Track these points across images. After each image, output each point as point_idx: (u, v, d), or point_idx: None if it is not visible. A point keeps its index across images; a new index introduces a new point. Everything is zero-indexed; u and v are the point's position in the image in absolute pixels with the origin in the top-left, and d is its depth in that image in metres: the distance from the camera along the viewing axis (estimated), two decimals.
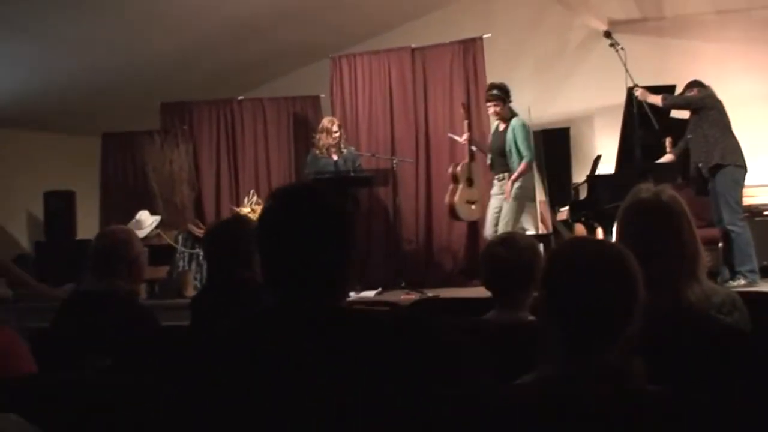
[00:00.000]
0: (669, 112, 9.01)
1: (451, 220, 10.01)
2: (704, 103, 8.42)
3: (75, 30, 9.44)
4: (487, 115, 9.79)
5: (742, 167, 8.24)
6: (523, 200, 8.96)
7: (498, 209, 8.98)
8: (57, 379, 2.76)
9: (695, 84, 8.64)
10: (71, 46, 9.87)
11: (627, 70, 8.72)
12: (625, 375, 2.00)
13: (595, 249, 2.22)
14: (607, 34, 9.10)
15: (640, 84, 8.83)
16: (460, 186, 9.49)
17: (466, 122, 9.59)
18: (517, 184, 8.83)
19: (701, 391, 2.02)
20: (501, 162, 9.03)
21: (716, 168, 8.22)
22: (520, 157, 8.86)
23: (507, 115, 9.00)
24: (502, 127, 9.08)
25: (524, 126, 9.03)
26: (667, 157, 9.01)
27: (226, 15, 10.06)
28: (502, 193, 8.97)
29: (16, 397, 2.49)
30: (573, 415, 1.91)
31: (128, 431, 2.37)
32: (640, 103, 8.69)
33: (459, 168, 9.56)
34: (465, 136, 9.45)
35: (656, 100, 8.62)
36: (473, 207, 9.60)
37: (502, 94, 8.94)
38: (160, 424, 2.28)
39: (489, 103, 9.03)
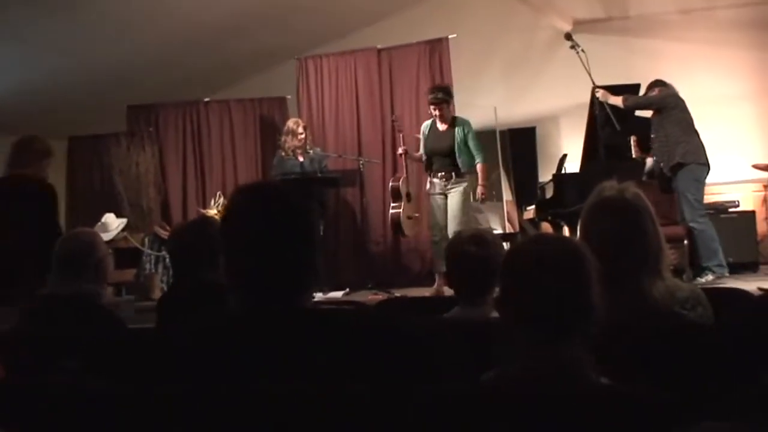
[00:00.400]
0: (633, 112, 9.04)
1: (396, 235, 9.99)
2: (666, 103, 8.47)
3: (41, 33, 9.37)
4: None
5: (704, 165, 8.29)
6: (468, 196, 8.94)
7: (445, 206, 8.95)
8: (22, 384, 2.74)
9: (657, 83, 8.69)
10: (37, 49, 9.79)
11: (588, 72, 8.74)
12: (582, 369, 2.01)
13: (552, 244, 2.23)
14: (568, 36, 9.06)
15: (605, 83, 8.88)
16: (403, 202, 9.48)
17: (401, 135, 9.57)
18: (465, 184, 8.85)
19: (665, 386, 2.03)
20: (444, 162, 8.92)
21: (678, 167, 8.29)
22: (471, 157, 8.87)
23: (449, 117, 8.93)
24: (443, 127, 8.95)
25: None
26: (649, 161, 9.05)
27: (192, 18, 10.03)
28: (443, 194, 8.89)
29: None
30: (533, 411, 1.92)
31: None
32: (602, 104, 8.72)
33: (400, 183, 9.55)
34: (401, 150, 9.36)
35: (617, 101, 8.65)
36: (413, 221, 9.60)
37: (447, 97, 8.87)
38: (126, 428, 2.27)
39: (434, 106, 8.87)
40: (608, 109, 8.67)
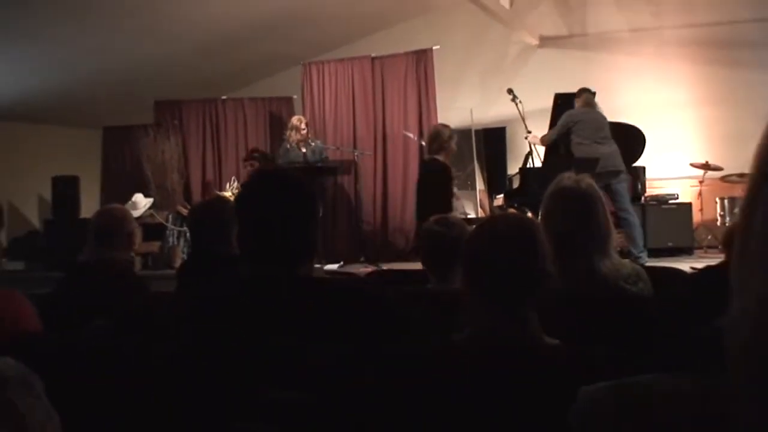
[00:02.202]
0: None
1: None
2: (567, 128, 8.42)
3: (82, 37, 9.41)
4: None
5: (598, 174, 7.64)
6: None
7: None
8: (60, 340, 2.75)
9: (577, 95, 8.69)
10: (79, 51, 9.82)
11: (523, 119, 9.06)
12: (534, 331, 2.02)
13: (505, 221, 2.23)
14: (509, 91, 9.27)
15: (567, 91, 8.95)
16: None
17: None
18: None
19: (611, 347, 2.05)
20: None
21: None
22: None
23: None
24: None
25: None
26: None
27: (212, 27, 10.04)
28: None
29: (21, 356, 2.46)
30: (493, 367, 1.94)
31: (121, 387, 2.36)
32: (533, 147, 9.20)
33: None
34: None
35: (537, 141, 8.89)
36: None
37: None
38: (150, 381, 2.27)
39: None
40: (535, 151, 9.10)
